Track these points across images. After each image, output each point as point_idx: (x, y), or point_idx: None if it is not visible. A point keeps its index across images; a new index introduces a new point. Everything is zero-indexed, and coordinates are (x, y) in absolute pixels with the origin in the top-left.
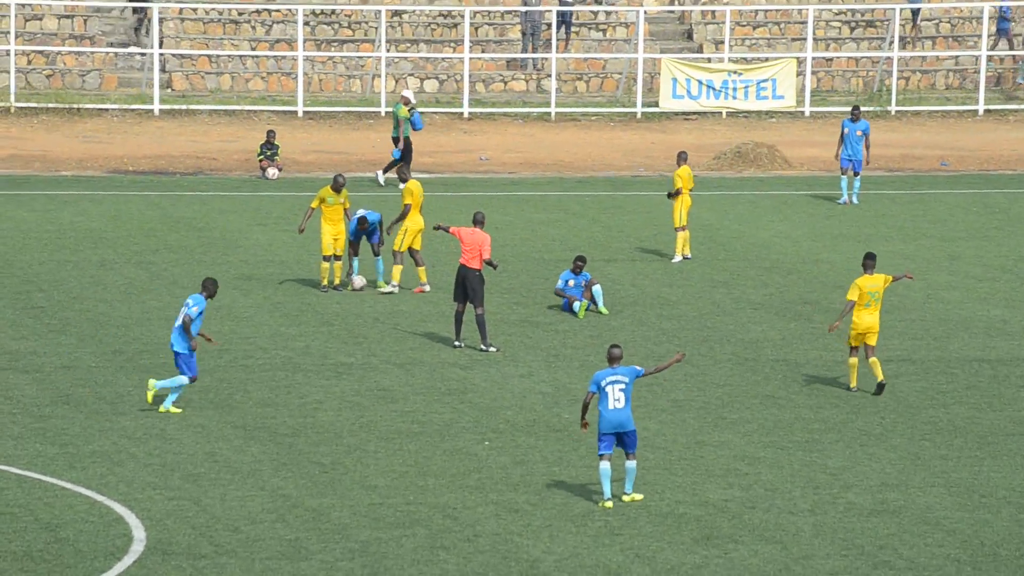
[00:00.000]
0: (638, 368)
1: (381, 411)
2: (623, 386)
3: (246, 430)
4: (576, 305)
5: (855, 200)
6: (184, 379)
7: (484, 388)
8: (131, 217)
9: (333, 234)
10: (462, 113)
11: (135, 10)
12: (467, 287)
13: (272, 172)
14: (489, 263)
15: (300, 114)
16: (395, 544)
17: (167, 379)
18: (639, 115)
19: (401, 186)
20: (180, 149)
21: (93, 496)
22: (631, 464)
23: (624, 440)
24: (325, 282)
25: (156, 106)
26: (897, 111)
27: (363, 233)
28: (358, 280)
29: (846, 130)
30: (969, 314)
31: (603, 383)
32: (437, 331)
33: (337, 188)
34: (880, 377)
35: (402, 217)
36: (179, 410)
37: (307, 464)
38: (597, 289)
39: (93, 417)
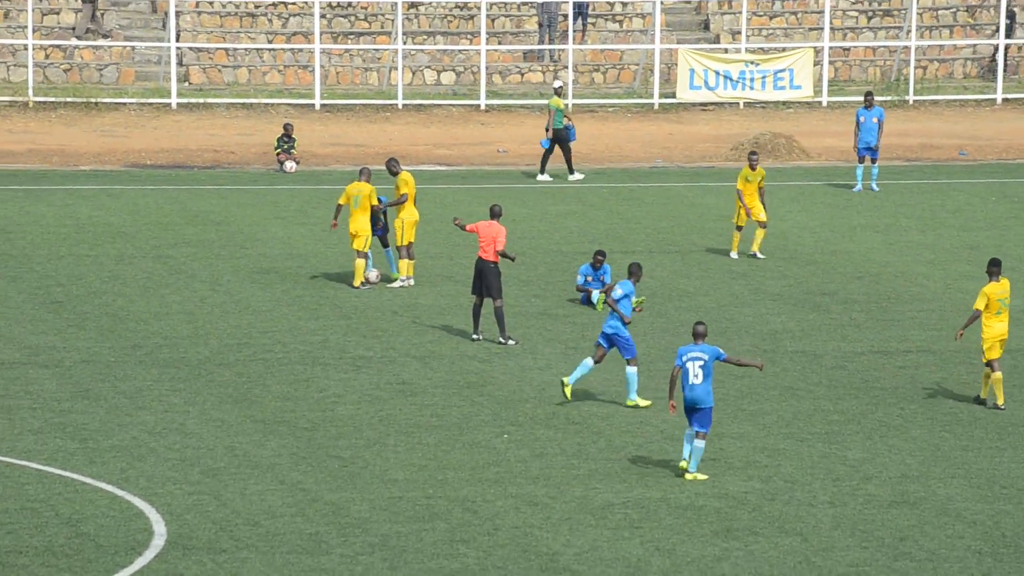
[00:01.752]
0: (721, 352)
1: (400, 404)
2: (702, 363)
3: (265, 424)
4: (594, 297)
5: (874, 187)
6: (589, 362)
7: (503, 381)
8: (149, 211)
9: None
10: (479, 105)
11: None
12: (484, 280)
13: (290, 165)
14: (504, 255)
15: (317, 107)
16: (415, 538)
17: (577, 370)
18: (656, 106)
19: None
20: (198, 143)
21: (113, 491)
22: (700, 443)
23: (698, 417)
24: (358, 282)
25: (174, 100)
26: (915, 100)
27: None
28: (372, 273)
29: (862, 118)
30: None
31: (684, 358)
32: (456, 324)
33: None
34: (1000, 400)
35: (398, 203)
36: (648, 402)
37: (326, 458)
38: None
39: (113, 412)
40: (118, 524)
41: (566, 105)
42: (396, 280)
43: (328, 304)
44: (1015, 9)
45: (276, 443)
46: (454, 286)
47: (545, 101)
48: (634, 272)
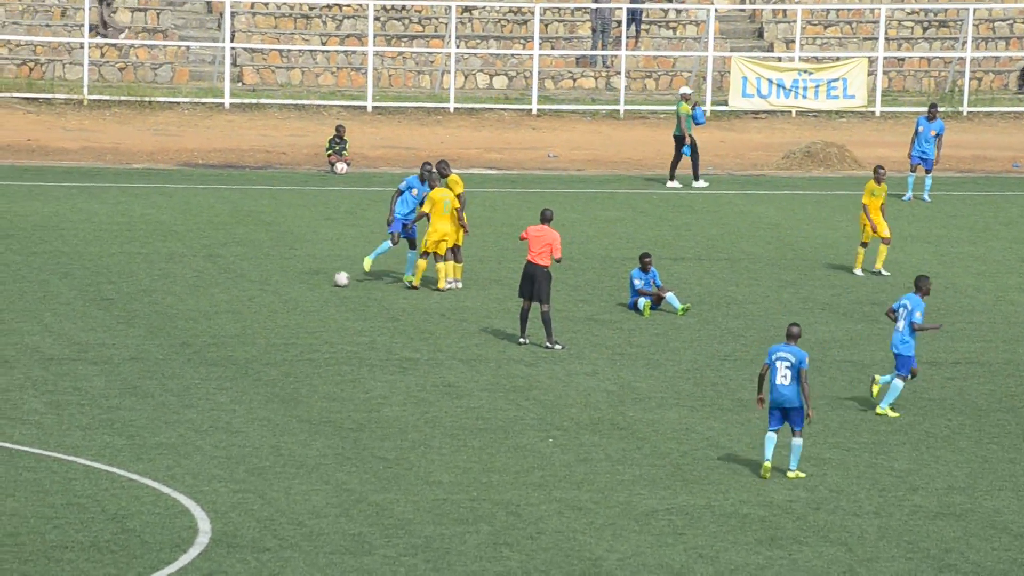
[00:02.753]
0: (805, 360)
1: (446, 407)
2: (789, 364)
3: (311, 424)
4: (641, 303)
5: (927, 198)
6: (900, 384)
7: (549, 385)
8: (201, 210)
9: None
10: (531, 110)
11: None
12: (534, 284)
13: (340, 167)
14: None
15: (369, 109)
16: (458, 540)
17: (886, 377)
18: (708, 113)
19: (440, 181)
20: (250, 143)
21: (159, 488)
22: (796, 441)
23: (789, 416)
24: (442, 284)
25: (227, 100)
26: (969, 112)
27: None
28: (343, 277)
29: (920, 128)
30: None
31: (773, 356)
32: (502, 328)
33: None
34: None
35: (461, 207)
36: (896, 414)
37: (371, 459)
38: (671, 297)
39: (160, 409)
40: (163, 521)
41: (692, 106)
42: (408, 282)
43: (376, 305)
44: None
45: (321, 443)
46: (501, 290)
47: (598, 107)
48: (921, 287)
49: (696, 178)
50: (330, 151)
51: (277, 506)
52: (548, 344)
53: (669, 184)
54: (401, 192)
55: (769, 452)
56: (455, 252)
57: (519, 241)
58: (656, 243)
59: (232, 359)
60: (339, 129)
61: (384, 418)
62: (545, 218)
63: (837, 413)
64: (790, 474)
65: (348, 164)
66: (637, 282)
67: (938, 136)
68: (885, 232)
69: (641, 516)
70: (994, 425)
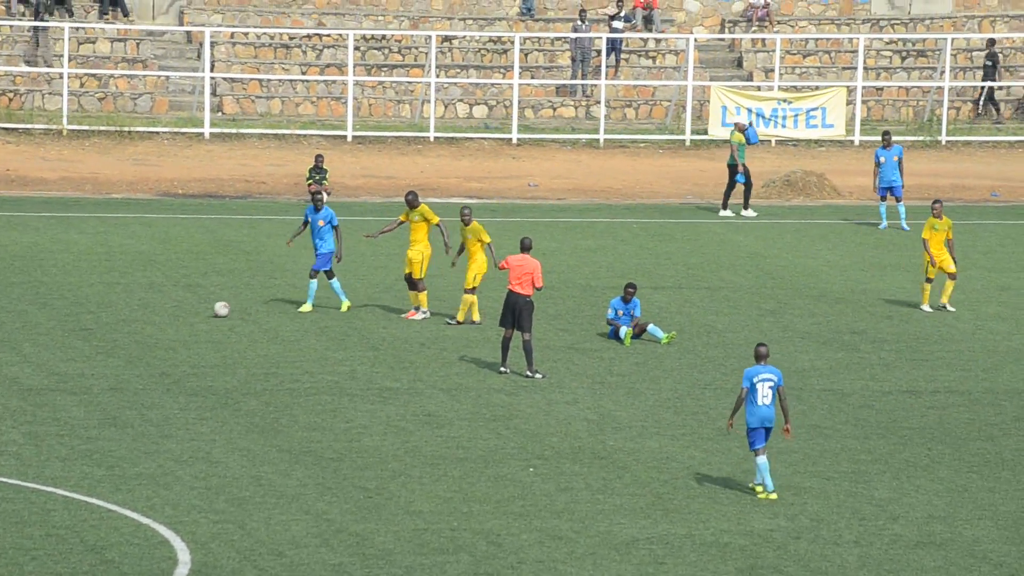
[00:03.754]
0: (782, 379)
1: (426, 436)
2: (772, 384)
3: (291, 454)
4: (622, 332)
5: (904, 226)
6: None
7: (529, 414)
8: (180, 240)
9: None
10: (511, 139)
11: (35, 28)
12: (516, 313)
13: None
14: (539, 289)
15: (349, 138)
16: (439, 570)
17: None
18: (688, 142)
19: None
20: (230, 172)
21: (139, 518)
22: (763, 459)
23: (765, 436)
24: (461, 317)
25: (207, 129)
26: (948, 141)
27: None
28: (222, 307)
29: (882, 159)
30: (1018, 345)
31: (755, 379)
32: (483, 356)
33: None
34: None
35: (447, 235)
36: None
37: (352, 489)
38: (652, 328)
39: (140, 440)
40: (143, 552)
41: (744, 130)
42: (344, 308)
43: (355, 335)
44: (997, 51)
45: (302, 473)
46: (482, 318)
47: (578, 136)
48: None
49: (745, 207)
50: (310, 180)
51: (257, 536)
52: (529, 373)
53: (721, 213)
54: (307, 223)
55: (769, 479)
56: (421, 282)
57: (498, 271)
58: (636, 272)
59: (212, 389)
60: (318, 159)
61: (364, 447)
62: (525, 247)
63: (816, 442)
64: (773, 496)
65: (328, 193)
66: (610, 312)
67: (899, 161)
68: (950, 267)
69: (622, 545)
70: (973, 454)
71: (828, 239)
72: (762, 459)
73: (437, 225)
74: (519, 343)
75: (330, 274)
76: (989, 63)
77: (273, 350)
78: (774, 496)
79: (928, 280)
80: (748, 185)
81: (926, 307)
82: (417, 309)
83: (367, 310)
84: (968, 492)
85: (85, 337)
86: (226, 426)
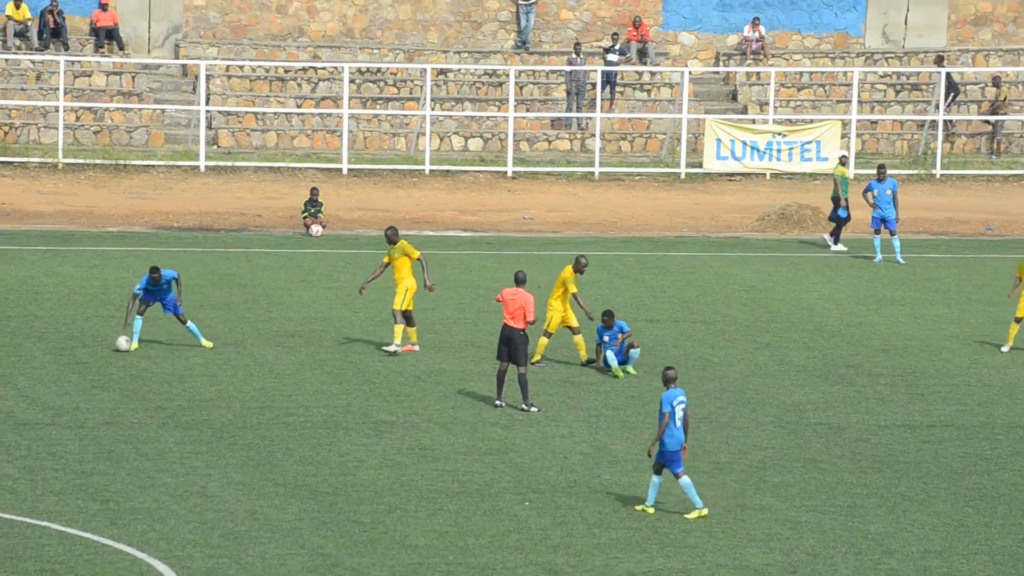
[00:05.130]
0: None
1: (422, 470)
2: (684, 406)
3: (287, 488)
4: (611, 361)
5: (899, 260)
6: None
7: (525, 448)
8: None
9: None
10: (506, 172)
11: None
12: (511, 347)
13: (316, 229)
14: (531, 323)
15: (344, 171)
16: None
17: None
18: (683, 175)
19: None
20: (225, 206)
21: (134, 553)
22: (687, 480)
23: (676, 459)
24: (538, 357)
25: (202, 163)
26: (942, 175)
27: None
28: (123, 341)
29: (875, 191)
30: (1014, 379)
31: (674, 403)
32: (478, 390)
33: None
34: None
35: (425, 268)
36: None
37: (347, 523)
38: (634, 353)
39: (135, 474)
40: None
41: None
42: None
43: (351, 369)
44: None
45: (297, 507)
46: (478, 352)
47: (573, 169)
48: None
49: (835, 241)
50: (306, 214)
51: (252, 571)
52: (524, 407)
53: (833, 248)
54: (136, 296)
55: (654, 497)
56: (408, 315)
57: (495, 303)
58: (632, 305)
59: (207, 423)
60: (313, 192)
61: (360, 481)
62: (519, 280)
63: (813, 476)
64: (698, 514)
65: (324, 226)
66: (596, 338)
67: (893, 194)
68: None
69: None
70: (969, 488)
71: (823, 272)
72: (687, 480)
73: (418, 259)
74: (515, 376)
75: (182, 319)
76: (953, 93)
77: (268, 384)
78: (706, 512)
79: (1017, 320)
80: (845, 220)
81: (1006, 348)
82: (406, 342)
83: (362, 344)
84: (964, 527)
85: (80, 371)
86: (221, 460)
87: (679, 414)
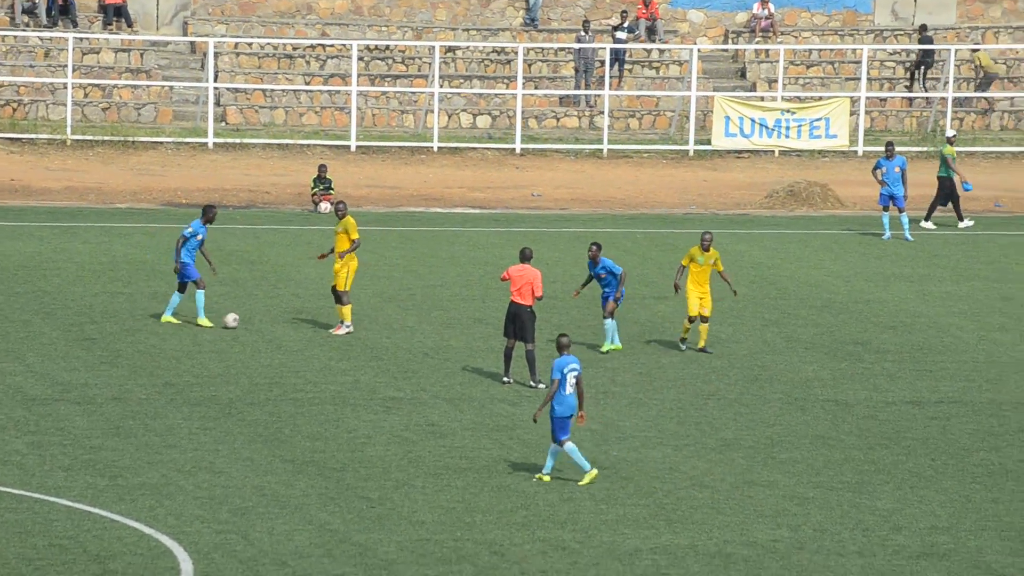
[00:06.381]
0: (580, 366)
1: (429, 446)
2: (576, 373)
3: (295, 464)
4: (608, 326)
5: (908, 236)
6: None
7: (532, 425)
8: None
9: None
10: (514, 149)
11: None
12: (518, 323)
13: (324, 206)
14: (539, 299)
15: (353, 148)
16: None
17: None
18: (691, 153)
19: (336, 217)
20: (233, 182)
21: (142, 528)
22: (572, 445)
23: (566, 426)
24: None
25: (210, 139)
26: None
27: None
28: (230, 319)
29: (883, 169)
30: (1022, 356)
31: (565, 370)
32: (486, 367)
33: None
34: None
35: (353, 249)
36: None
37: (355, 499)
38: (610, 324)
39: (143, 449)
40: (145, 562)
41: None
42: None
43: (359, 345)
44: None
45: (305, 483)
46: (485, 329)
47: (581, 146)
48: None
49: (960, 219)
50: (315, 190)
51: (260, 546)
52: (532, 383)
53: (963, 225)
54: (187, 239)
55: (551, 464)
56: (343, 296)
57: (501, 281)
58: (640, 282)
59: (215, 399)
60: (321, 169)
61: (367, 458)
62: (525, 257)
63: (820, 452)
64: (589, 478)
65: (332, 204)
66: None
67: (902, 171)
68: None
69: (625, 556)
70: (977, 465)
71: (831, 249)
72: (570, 446)
73: (354, 240)
74: (522, 353)
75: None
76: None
77: (277, 360)
78: (595, 473)
79: None
80: (949, 198)
81: None
82: (341, 323)
83: (370, 320)
84: (971, 503)
85: (88, 347)
86: (229, 436)
87: (571, 380)
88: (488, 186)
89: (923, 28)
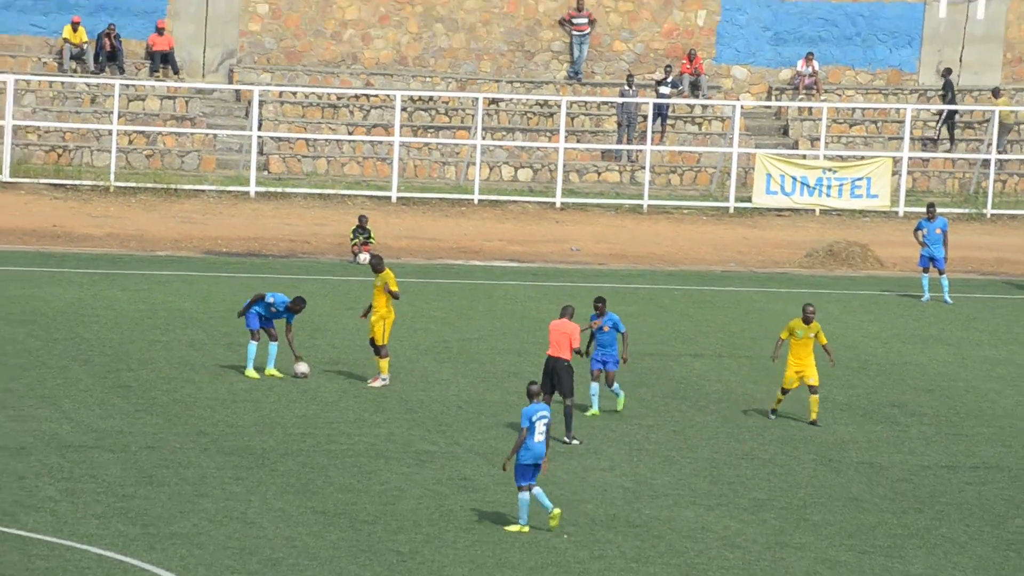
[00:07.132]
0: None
1: (461, 500)
2: (546, 421)
3: (326, 516)
4: (592, 394)
5: (947, 299)
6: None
7: (565, 481)
8: (223, 299)
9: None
10: (555, 203)
11: None
12: (555, 378)
13: (363, 257)
14: (577, 351)
15: (394, 199)
16: None
17: None
18: (732, 210)
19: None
20: (274, 232)
21: None
22: (538, 489)
23: (535, 472)
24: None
25: (252, 188)
26: (993, 214)
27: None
28: (303, 366)
29: (924, 230)
30: None
31: (533, 418)
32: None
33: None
34: None
35: (394, 296)
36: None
37: (385, 552)
38: (617, 387)
39: (175, 499)
40: None
41: None
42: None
43: (394, 397)
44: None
45: (336, 535)
46: (520, 383)
47: (622, 201)
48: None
49: None
50: (355, 240)
51: None
52: (567, 439)
53: None
54: (262, 299)
55: (526, 514)
56: (381, 349)
57: (539, 334)
58: (677, 339)
59: (249, 449)
60: (361, 219)
61: (399, 511)
62: (565, 313)
63: (853, 515)
64: (555, 515)
65: (371, 255)
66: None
67: (943, 233)
68: None
69: None
70: (1012, 531)
71: (870, 310)
72: (526, 496)
73: (394, 293)
74: (556, 408)
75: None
76: (944, 92)
77: (311, 411)
78: (527, 529)
79: None
80: None
81: None
82: (379, 375)
83: (406, 372)
84: (1006, 570)
85: (124, 394)
86: (261, 486)
87: (539, 428)
88: (528, 239)
89: (947, 72)
